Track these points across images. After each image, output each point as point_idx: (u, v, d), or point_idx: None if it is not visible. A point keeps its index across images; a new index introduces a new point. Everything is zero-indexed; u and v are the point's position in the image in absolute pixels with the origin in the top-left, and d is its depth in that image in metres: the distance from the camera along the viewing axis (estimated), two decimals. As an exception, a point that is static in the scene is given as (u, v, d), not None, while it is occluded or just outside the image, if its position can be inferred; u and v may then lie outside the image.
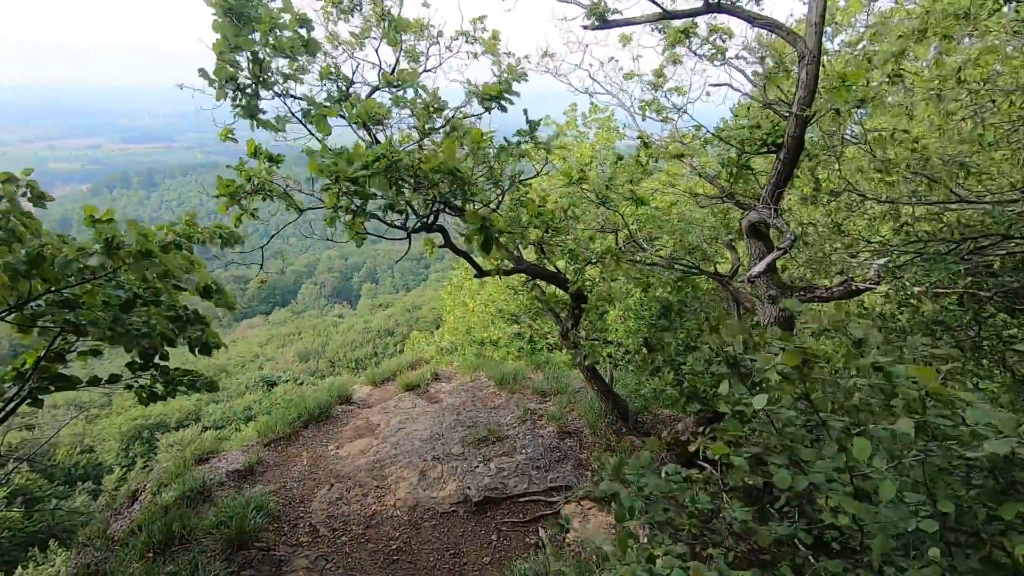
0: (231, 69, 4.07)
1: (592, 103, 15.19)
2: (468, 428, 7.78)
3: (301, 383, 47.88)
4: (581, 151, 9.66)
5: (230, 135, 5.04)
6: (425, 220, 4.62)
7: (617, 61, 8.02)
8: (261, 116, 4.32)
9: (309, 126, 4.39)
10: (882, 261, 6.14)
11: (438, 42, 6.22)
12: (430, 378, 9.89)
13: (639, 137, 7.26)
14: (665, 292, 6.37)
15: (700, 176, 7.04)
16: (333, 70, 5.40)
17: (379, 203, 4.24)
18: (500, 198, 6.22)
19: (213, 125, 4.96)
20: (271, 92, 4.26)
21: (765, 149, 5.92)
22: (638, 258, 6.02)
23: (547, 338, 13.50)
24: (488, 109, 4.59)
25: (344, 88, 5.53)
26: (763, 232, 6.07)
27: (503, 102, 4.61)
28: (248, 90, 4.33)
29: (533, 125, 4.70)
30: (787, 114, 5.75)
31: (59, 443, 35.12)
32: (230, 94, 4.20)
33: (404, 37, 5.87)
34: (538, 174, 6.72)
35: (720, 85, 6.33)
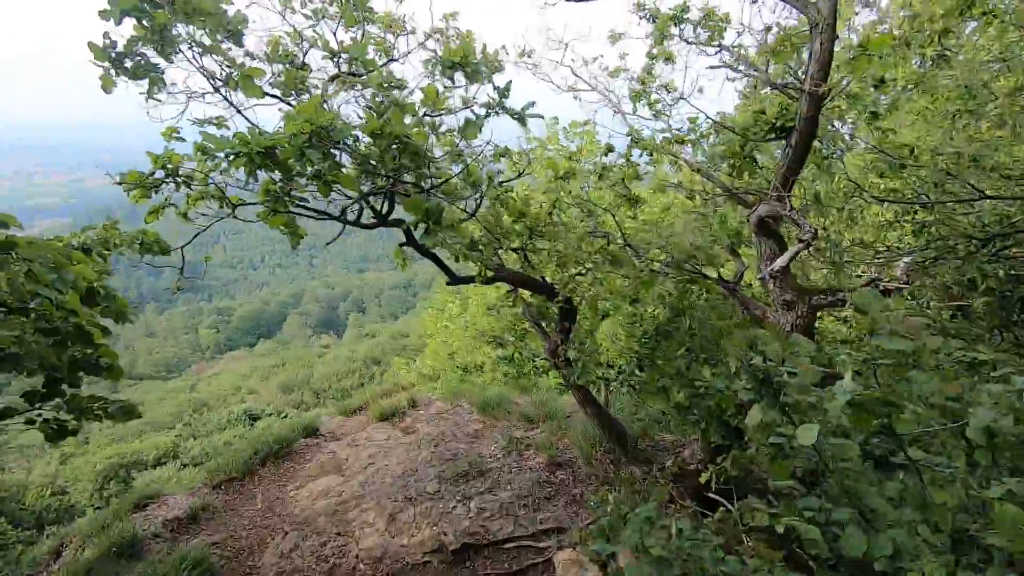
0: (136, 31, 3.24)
1: (574, 123, 14.67)
2: (446, 461, 6.81)
3: (284, 416, 46.21)
4: (563, 160, 8.95)
5: (175, 134, 4.20)
6: (367, 206, 3.75)
7: (603, 57, 7.37)
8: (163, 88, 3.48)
9: (234, 95, 3.57)
10: (908, 259, 5.40)
11: (407, 37, 5.51)
12: (406, 406, 8.91)
13: (629, 133, 6.55)
14: (665, 299, 5.55)
15: (697, 172, 6.31)
16: (283, 52, 4.62)
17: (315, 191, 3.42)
18: (478, 200, 5.44)
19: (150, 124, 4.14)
20: (172, 58, 3.42)
21: (773, 135, 5.20)
22: (635, 263, 5.23)
23: (535, 360, 12.60)
24: (451, 78, 3.80)
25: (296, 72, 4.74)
26: (774, 228, 5.31)
27: (472, 74, 3.83)
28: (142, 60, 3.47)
29: (502, 92, 3.92)
30: (796, 95, 5.07)
31: (30, 484, 33.23)
32: (128, 64, 3.37)
33: (371, 28, 5.14)
34: (520, 174, 5.95)
35: (718, 67, 5.64)
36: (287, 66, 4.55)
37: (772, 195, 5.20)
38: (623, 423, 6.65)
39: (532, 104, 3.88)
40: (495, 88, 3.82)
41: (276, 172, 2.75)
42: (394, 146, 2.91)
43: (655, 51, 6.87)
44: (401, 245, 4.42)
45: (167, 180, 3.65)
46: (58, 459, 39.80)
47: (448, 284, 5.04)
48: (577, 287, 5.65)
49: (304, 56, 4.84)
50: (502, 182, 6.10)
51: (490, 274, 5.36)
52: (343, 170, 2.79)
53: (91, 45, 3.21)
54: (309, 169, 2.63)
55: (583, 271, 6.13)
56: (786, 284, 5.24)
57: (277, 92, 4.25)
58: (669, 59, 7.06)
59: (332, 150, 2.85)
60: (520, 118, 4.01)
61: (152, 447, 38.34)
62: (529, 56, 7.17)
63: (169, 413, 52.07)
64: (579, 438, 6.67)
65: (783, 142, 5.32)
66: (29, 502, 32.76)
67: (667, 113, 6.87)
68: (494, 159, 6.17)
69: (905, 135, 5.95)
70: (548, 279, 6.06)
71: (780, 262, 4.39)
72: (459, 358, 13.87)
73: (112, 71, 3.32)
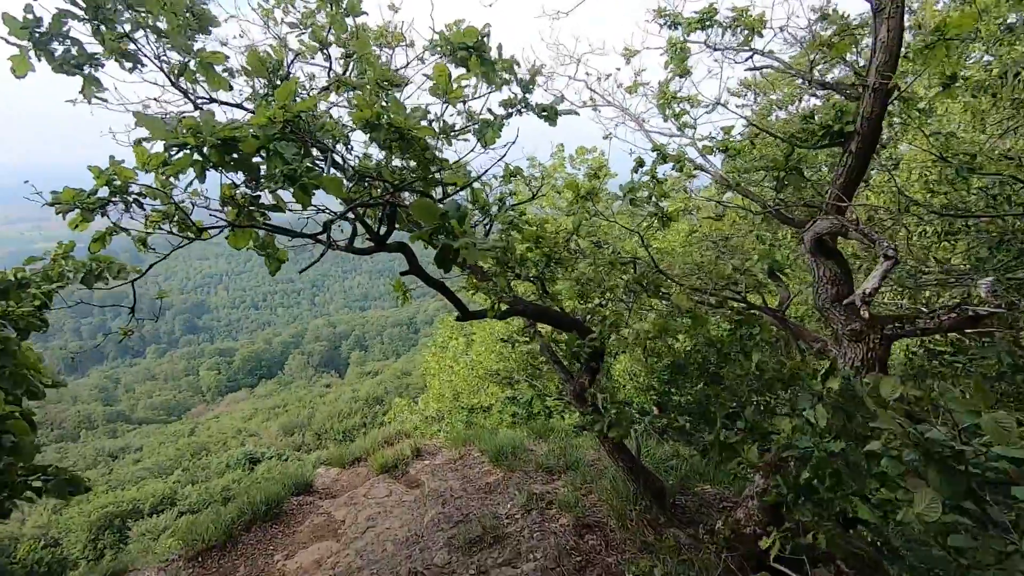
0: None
1: (581, 149, 14.13)
2: (457, 524, 5.89)
3: (285, 459, 44.79)
4: (584, 180, 8.32)
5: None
6: (359, 222, 3.00)
7: (619, 71, 6.79)
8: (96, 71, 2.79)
9: (196, 86, 2.88)
10: (990, 278, 4.64)
11: (405, 50, 4.91)
12: (410, 455, 8.00)
13: (655, 149, 5.88)
14: (713, 336, 4.75)
15: (731, 189, 5.62)
16: (265, 55, 3.97)
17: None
18: (487, 226, 4.73)
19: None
20: (115, 43, 2.73)
21: (826, 141, 4.51)
22: (686, 295, 4.48)
23: (546, 400, 11.71)
24: (464, 64, 3.11)
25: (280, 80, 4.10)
26: (832, 247, 4.57)
27: (485, 60, 3.15)
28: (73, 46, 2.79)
29: (527, 85, 3.23)
30: (853, 93, 4.40)
31: (23, 537, 31.84)
32: (57, 49, 2.69)
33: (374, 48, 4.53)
34: (535, 196, 5.25)
35: (757, 69, 5.00)
36: (270, 79, 3.90)
37: (829, 209, 4.49)
38: (658, 476, 5.76)
39: (561, 99, 3.21)
40: (519, 82, 3.14)
41: (237, 173, 2.04)
42: (394, 143, 2.21)
43: (670, 62, 6.30)
44: (403, 274, 3.67)
45: (113, 199, 2.93)
46: (52, 508, 38.33)
47: (458, 320, 4.28)
48: (606, 320, 4.87)
49: (289, 66, 4.21)
50: (514, 205, 5.41)
51: (504, 307, 4.61)
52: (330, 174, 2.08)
53: (6, 17, 2.53)
54: (279, 169, 1.91)
55: (604, 302, 5.39)
56: (851, 312, 4.47)
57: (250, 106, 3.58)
58: (684, 74, 6.48)
59: (314, 149, 2.16)
60: (549, 115, 3.31)
61: (149, 494, 36.89)
62: (539, 72, 6.60)
63: (168, 458, 50.59)
64: (609, 494, 5.76)
65: (836, 149, 4.64)
66: (20, 556, 31.21)
67: (693, 125, 6.23)
68: (503, 181, 5.51)
69: (964, 138, 5.28)
70: (565, 311, 5.30)
71: (871, 283, 3.61)
72: (464, 399, 12.96)
73: (32, 53, 2.64)
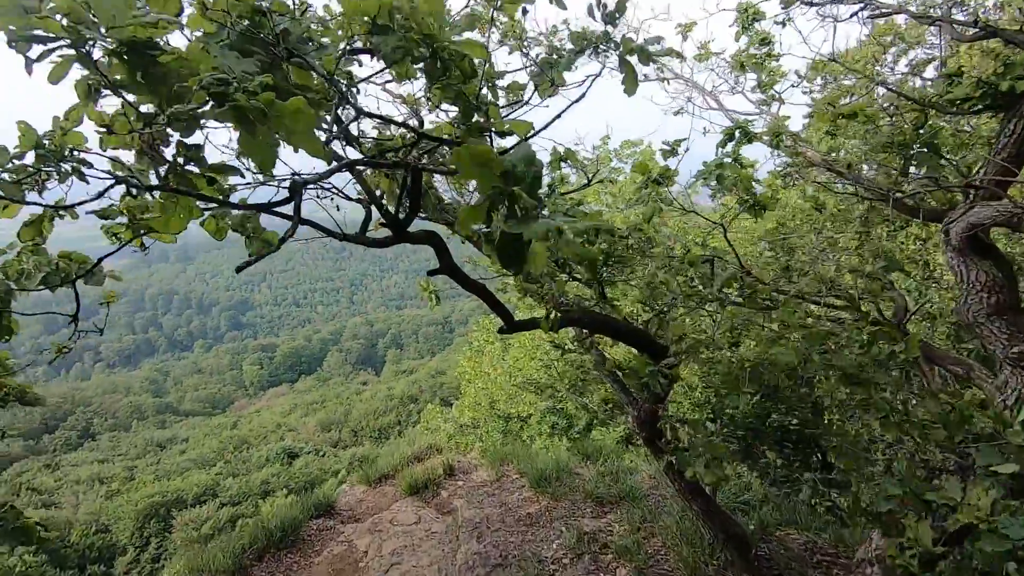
0: None
1: (627, 142, 13.08)
2: (495, 567, 5.00)
3: (323, 454, 45.05)
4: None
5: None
6: (369, 197, 2.13)
7: (684, 38, 5.79)
8: None
9: None
10: None
11: None
12: (442, 475, 7.17)
13: (734, 128, 4.86)
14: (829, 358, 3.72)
15: (831, 171, 4.55)
16: None
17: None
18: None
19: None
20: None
21: (983, 105, 3.43)
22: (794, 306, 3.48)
23: (591, 411, 10.72)
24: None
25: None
26: (989, 243, 3.48)
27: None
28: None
29: (612, 14, 2.28)
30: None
31: (76, 522, 32.80)
32: None
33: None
34: (590, 181, 4.32)
35: (876, 16, 3.92)
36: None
37: (987, 192, 3.40)
38: (737, 519, 4.73)
39: (659, 40, 2.27)
40: (598, 4, 2.21)
41: (154, 99, 1.22)
42: (420, 62, 1.35)
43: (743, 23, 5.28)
44: (431, 273, 2.80)
45: (45, 169, 2.15)
46: (104, 495, 39.46)
47: (502, 332, 3.40)
48: (683, 341, 3.90)
49: None
50: (567, 193, 4.50)
51: (554, 315, 3.69)
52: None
53: None
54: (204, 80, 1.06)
55: (671, 311, 4.41)
56: (1014, 328, 3.37)
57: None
58: (765, 42, 5.44)
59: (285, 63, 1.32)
60: (642, 56, 2.35)
61: (193, 485, 37.56)
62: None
63: (211, 450, 51.63)
64: (675, 538, 4.77)
65: (996, 116, 3.55)
66: (75, 540, 32.15)
67: (779, 98, 5.18)
68: (552, 167, 4.60)
69: None
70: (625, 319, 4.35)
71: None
72: (501, 407, 12.11)
73: None
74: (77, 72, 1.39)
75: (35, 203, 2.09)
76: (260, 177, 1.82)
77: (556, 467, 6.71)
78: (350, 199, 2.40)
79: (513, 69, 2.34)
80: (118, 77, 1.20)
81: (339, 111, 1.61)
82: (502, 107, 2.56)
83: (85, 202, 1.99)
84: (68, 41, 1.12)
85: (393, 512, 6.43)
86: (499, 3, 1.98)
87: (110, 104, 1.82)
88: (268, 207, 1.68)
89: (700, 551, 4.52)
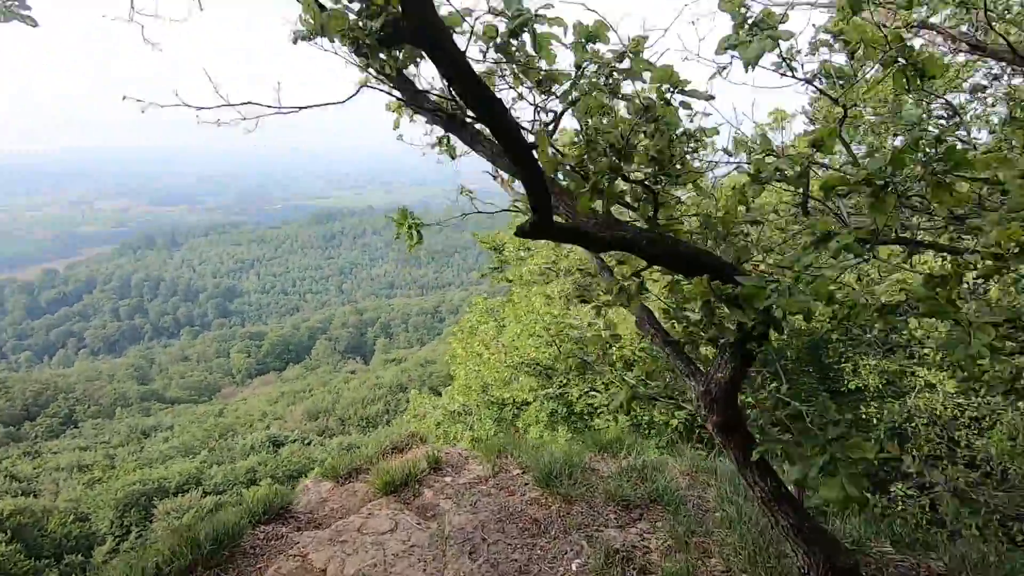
0: None
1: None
2: (493, 598, 3.63)
3: (308, 443, 43.72)
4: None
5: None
6: None
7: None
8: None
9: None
10: None
11: None
12: (426, 469, 5.77)
13: None
14: None
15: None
16: None
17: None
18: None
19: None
20: None
21: None
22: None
23: (592, 396, 9.38)
24: None
25: None
26: None
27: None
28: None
29: None
30: None
31: (55, 510, 31.20)
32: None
33: None
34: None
35: None
36: None
37: None
38: (832, 533, 3.40)
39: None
40: None
41: None
42: None
43: None
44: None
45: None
46: (84, 483, 37.74)
47: (526, 233, 2.02)
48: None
49: None
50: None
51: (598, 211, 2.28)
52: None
53: None
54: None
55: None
56: None
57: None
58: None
59: None
60: None
61: (176, 473, 36.06)
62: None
63: (196, 438, 50.02)
64: (745, 562, 3.42)
65: None
66: (52, 528, 30.47)
67: None
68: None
69: None
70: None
71: None
72: (495, 392, 10.74)
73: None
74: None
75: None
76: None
77: (567, 461, 5.34)
78: None
79: None
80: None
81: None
82: None
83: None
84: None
85: (363, 516, 5.02)
86: None
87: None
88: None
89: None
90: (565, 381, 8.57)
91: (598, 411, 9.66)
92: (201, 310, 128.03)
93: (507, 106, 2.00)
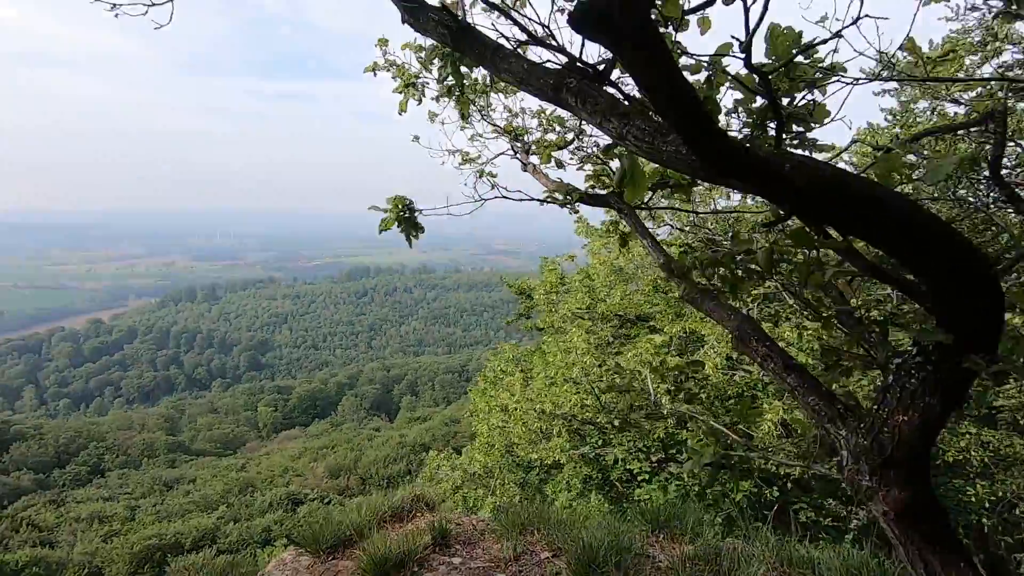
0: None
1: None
2: None
3: (328, 502, 41.93)
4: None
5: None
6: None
7: None
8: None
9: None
10: None
11: None
12: (430, 544, 4.49)
13: None
14: None
15: None
16: None
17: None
18: None
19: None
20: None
21: None
22: None
23: (635, 462, 7.92)
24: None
25: None
26: None
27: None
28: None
29: None
30: None
31: (69, 563, 30.21)
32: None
33: None
34: None
35: None
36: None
37: None
38: None
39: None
40: None
41: None
42: None
43: None
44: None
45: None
46: (102, 535, 36.65)
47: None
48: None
49: None
50: None
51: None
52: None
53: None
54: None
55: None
56: None
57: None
58: None
59: None
60: None
61: (192, 528, 34.74)
62: None
63: (216, 492, 48.74)
64: None
65: None
66: (65, 581, 29.36)
67: None
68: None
69: None
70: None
71: None
72: (521, 451, 9.37)
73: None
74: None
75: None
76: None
77: (613, 543, 4.00)
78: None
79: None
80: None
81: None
82: None
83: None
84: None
85: (342, 610, 3.74)
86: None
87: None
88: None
89: None
90: (604, 439, 7.21)
91: (638, 479, 8.16)
92: (234, 362, 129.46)
93: None
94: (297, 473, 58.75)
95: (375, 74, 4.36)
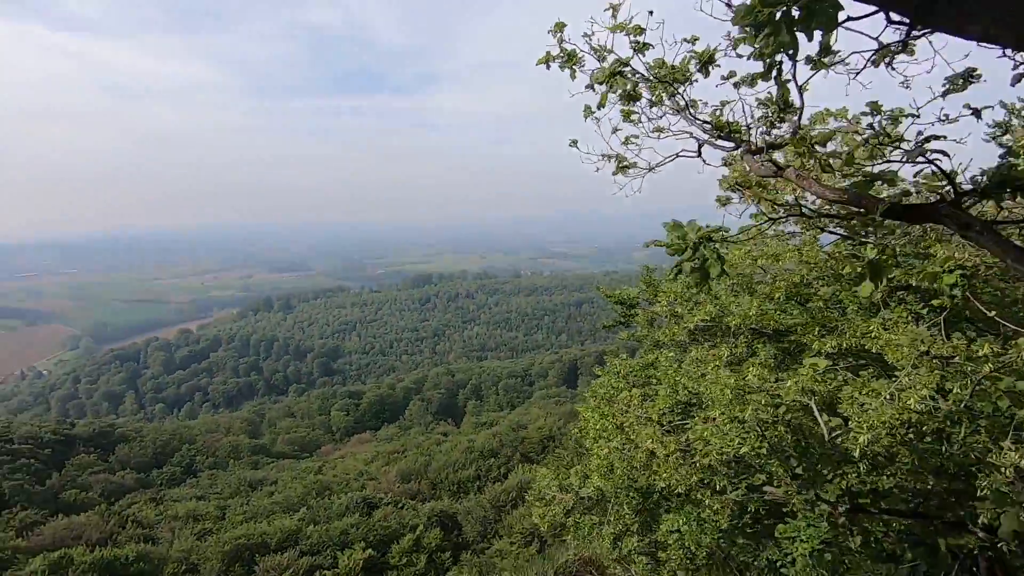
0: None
1: None
2: None
3: (401, 506, 42.38)
4: None
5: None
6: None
7: None
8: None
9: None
10: None
11: None
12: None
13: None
14: None
15: None
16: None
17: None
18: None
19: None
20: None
21: None
22: None
23: (812, 503, 6.83)
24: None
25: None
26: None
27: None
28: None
29: None
30: None
31: (168, 559, 31.88)
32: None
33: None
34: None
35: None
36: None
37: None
38: None
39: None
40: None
41: None
42: None
43: None
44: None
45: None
46: (196, 533, 38.59)
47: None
48: None
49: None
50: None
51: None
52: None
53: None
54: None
55: None
56: None
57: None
58: None
59: None
60: None
61: (277, 529, 35.92)
62: None
63: (296, 494, 50.37)
64: None
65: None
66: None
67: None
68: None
69: None
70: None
71: None
72: (642, 478, 8.52)
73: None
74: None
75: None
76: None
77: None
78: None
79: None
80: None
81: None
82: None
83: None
84: None
85: None
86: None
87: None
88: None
89: None
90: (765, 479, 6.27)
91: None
92: (308, 368, 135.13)
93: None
94: (370, 477, 59.90)
95: (548, 66, 3.75)
